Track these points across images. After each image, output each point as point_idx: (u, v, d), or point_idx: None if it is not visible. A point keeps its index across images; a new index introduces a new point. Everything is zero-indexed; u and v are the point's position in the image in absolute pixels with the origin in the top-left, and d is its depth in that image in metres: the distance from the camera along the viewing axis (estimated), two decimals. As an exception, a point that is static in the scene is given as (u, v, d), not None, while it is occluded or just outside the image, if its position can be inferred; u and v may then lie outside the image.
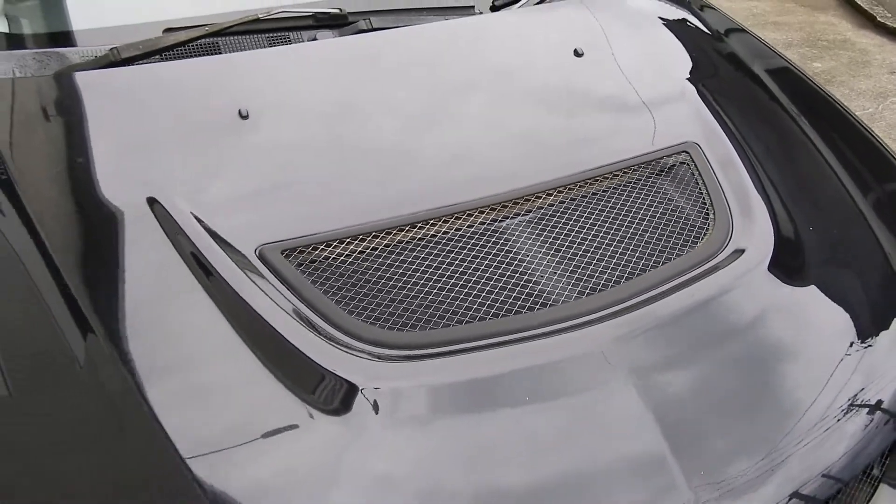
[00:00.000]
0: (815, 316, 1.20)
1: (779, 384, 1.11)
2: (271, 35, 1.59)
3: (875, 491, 1.19)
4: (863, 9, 4.63)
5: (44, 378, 0.98)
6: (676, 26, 1.83)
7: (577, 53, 1.60)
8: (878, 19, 4.47)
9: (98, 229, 1.17)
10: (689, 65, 1.69)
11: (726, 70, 1.76)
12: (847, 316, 1.22)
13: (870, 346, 1.19)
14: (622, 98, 1.52)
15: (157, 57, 1.48)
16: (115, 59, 1.45)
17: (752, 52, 1.81)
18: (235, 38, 1.56)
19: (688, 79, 1.62)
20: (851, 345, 1.17)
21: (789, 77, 1.76)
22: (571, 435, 0.99)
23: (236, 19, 1.52)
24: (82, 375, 0.99)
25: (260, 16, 1.55)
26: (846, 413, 1.12)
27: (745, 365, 1.11)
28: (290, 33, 1.60)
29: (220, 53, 1.54)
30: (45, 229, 1.13)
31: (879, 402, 1.15)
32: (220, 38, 1.54)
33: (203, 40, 1.51)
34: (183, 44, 1.49)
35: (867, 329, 1.21)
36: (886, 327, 1.23)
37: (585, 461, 0.98)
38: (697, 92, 1.58)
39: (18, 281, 1.07)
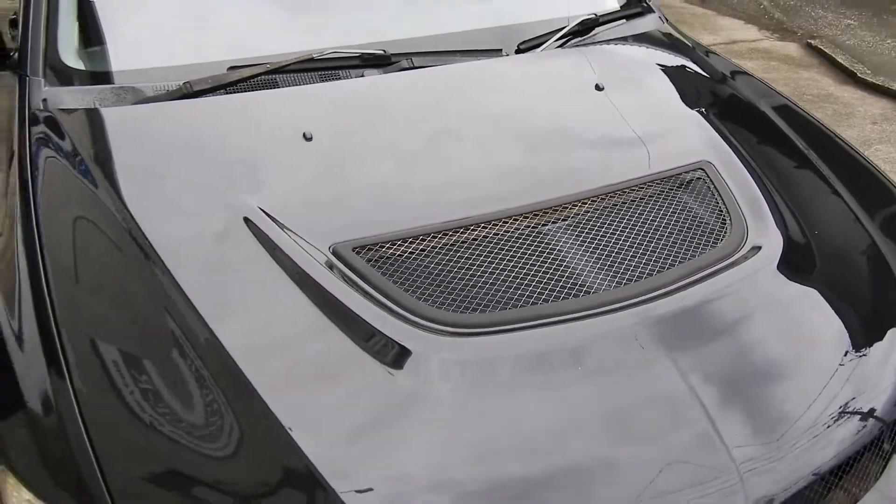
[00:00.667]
0: (824, 302, 1.34)
1: (794, 363, 1.25)
2: (323, 73, 1.77)
3: (887, 464, 1.31)
4: (843, 66, 4.92)
5: (167, 361, 1.11)
6: (687, 66, 2.03)
7: (599, 88, 1.79)
8: (859, 75, 4.75)
9: (195, 231, 1.32)
10: (700, 98, 1.88)
11: (731, 103, 1.95)
12: (854, 302, 1.37)
13: (874, 330, 1.33)
14: (642, 125, 1.70)
15: (221, 91, 1.65)
16: (187, 92, 1.63)
17: (753, 88, 2.00)
18: (292, 74, 1.74)
19: (699, 110, 1.80)
20: (859, 327, 1.32)
21: (788, 109, 1.95)
22: (608, 397, 1.13)
23: (293, 58, 1.71)
24: (194, 358, 1.13)
25: (314, 56, 1.73)
26: (857, 389, 1.26)
27: (766, 345, 1.25)
28: (340, 71, 1.78)
29: (278, 88, 1.71)
30: (154, 234, 1.29)
31: (884, 381, 1.29)
32: (278, 75, 1.72)
33: (263, 77, 1.69)
34: (246, 79, 1.67)
35: (872, 315, 1.36)
36: (885, 316, 1.38)
37: (620, 420, 1.11)
38: (708, 121, 1.76)
39: (145, 275, 1.23)
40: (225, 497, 1.04)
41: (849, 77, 4.82)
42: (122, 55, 1.75)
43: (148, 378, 1.12)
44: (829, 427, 1.21)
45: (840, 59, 4.99)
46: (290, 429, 1.05)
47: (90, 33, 1.77)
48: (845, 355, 1.27)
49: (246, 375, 1.10)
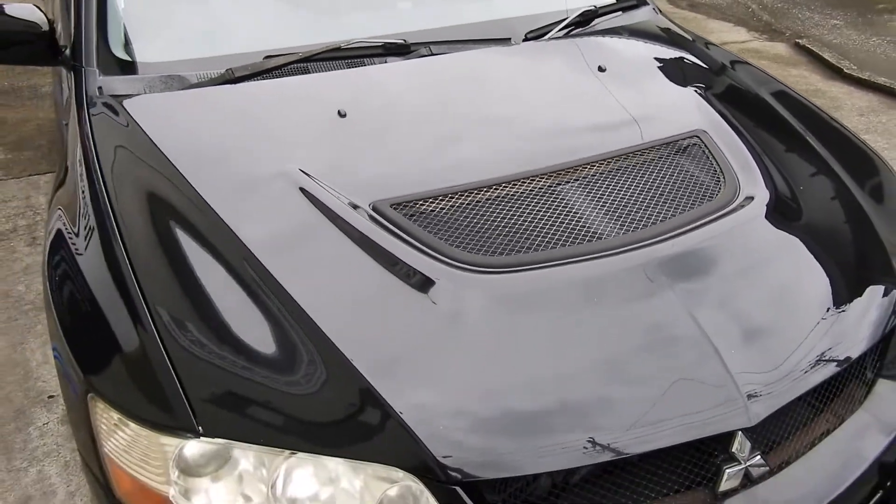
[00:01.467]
0: (812, 243, 1.51)
1: (786, 296, 1.42)
2: (350, 60, 1.94)
3: (870, 390, 1.46)
4: (830, 63, 5.12)
5: (238, 297, 1.29)
6: (679, 51, 2.21)
7: (601, 69, 1.97)
8: (846, 71, 4.94)
9: (250, 195, 1.49)
10: (692, 76, 2.06)
11: (722, 81, 2.12)
12: (837, 243, 1.54)
13: (856, 268, 1.50)
14: (642, 101, 1.87)
15: (259, 77, 1.83)
16: (229, 78, 1.80)
17: (745, 72, 2.18)
18: (322, 63, 1.91)
19: (693, 87, 1.98)
20: (843, 265, 1.49)
21: (776, 87, 2.12)
22: (620, 323, 1.30)
23: (322, 48, 1.88)
24: (262, 295, 1.30)
25: (342, 45, 1.91)
26: (843, 321, 1.42)
27: (761, 279, 1.41)
28: (365, 59, 1.95)
29: (309, 74, 1.88)
30: (213, 196, 1.46)
31: (863, 309, 1.45)
32: (309, 63, 1.89)
33: (296, 64, 1.86)
34: (281, 66, 1.84)
35: (855, 255, 1.53)
36: (866, 254, 1.55)
37: (632, 342, 1.28)
38: (702, 96, 1.93)
39: (209, 230, 1.41)
40: (293, 412, 1.19)
41: (836, 73, 5.01)
42: (167, 47, 1.92)
43: (220, 312, 1.28)
44: (818, 355, 1.37)
45: (827, 56, 5.19)
46: (351, 357, 1.21)
47: (137, 27, 1.94)
48: (831, 291, 1.43)
49: (307, 310, 1.27)
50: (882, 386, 1.45)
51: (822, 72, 5.14)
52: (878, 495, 1.38)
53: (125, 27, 1.94)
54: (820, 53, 5.25)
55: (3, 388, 2.50)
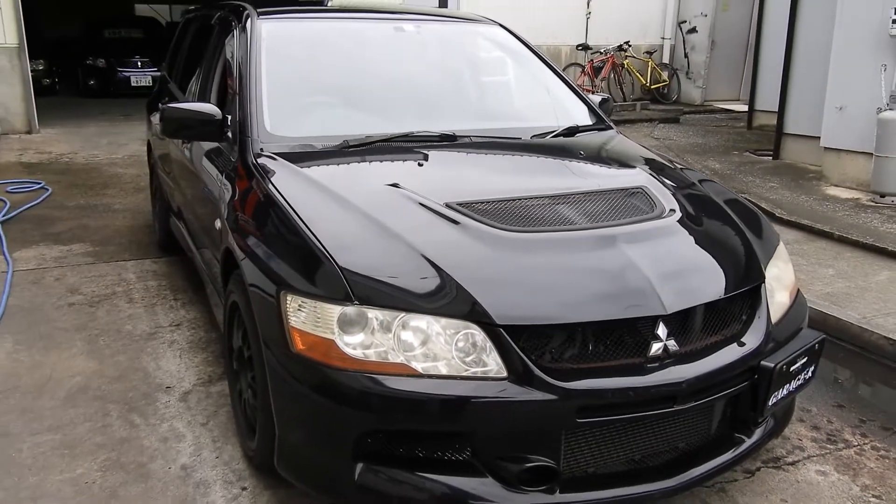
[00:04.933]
0: (706, 231, 2.52)
1: (692, 254, 2.40)
2: (415, 144, 3.01)
3: (749, 318, 2.38)
4: (765, 209, 6.31)
5: (371, 231, 2.29)
6: (637, 151, 3.34)
7: (581, 154, 3.06)
8: (777, 215, 6.13)
9: (372, 197, 2.49)
10: (642, 162, 3.14)
11: (660, 165, 3.19)
12: (720, 231, 2.58)
13: (733, 242, 2.51)
14: (608, 170, 2.99)
15: (364, 147, 2.90)
16: (344, 147, 2.87)
17: (674, 166, 3.27)
18: (399, 143, 2.98)
19: (640, 168, 3.05)
20: (725, 240, 2.51)
21: (699, 176, 3.19)
22: (595, 260, 2.25)
23: (402, 133, 2.98)
24: (382, 227, 2.28)
25: (415, 132, 3.00)
26: (728, 268, 2.38)
27: (676, 246, 2.41)
28: (424, 143, 3.02)
29: (391, 149, 2.95)
30: (351, 196, 2.48)
31: (737, 262, 2.42)
32: (391, 143, 2.96)
33: (384, 143, 2.93)
34: (377, 142, 2.92)
35: (733, 236, 2.56)
36: (738, 242, 2.55)
37: (597, 268, 2.22)
38: (646, 172, 3.00)
39: (350, 209, 2.43)
40: (405, 290, 2.08)
41: (770, 216, 6.18)
42: (305, 126, 3.01)
43: (361, 239, 2.24)
44: (708, 285, 2.31)
45: (763, 205, 6.41)
46: (434, 259, 2.14)
47: (275, 116, 3.01)
48: (721, 253, 2.43)
49: (407, 237, 2.22)
50: (754, 321, 2.37)
51: (761, 217, 6.33)
52: (746, 382, 2.26)
53: (268, 115, 3.01)
54: (757, 202, 6.47)
55: (133, 383, 3.31)
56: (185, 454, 2.75)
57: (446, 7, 11.60)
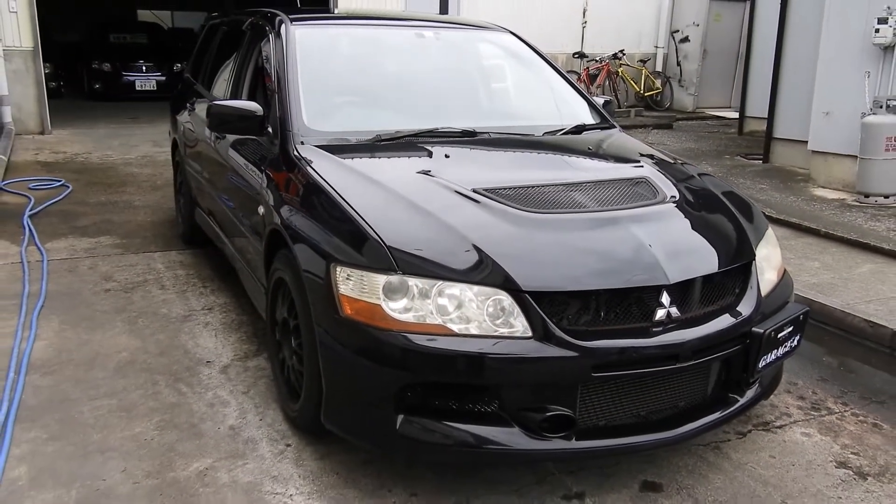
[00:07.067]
0: (703, 214, 2.84)
1: (690, 235, 2.70)
2: (440, 138, 3.32)
3: (740, 291, 2.69)
4: (757, 210, 6.66)
5: (408, 210, 2.59)
6: (639, 146, 3.65)
7: (590, 149, 3.37)
8: (766, 213, 6.46)
9: (405, 182, 2.79)
10: (644, 155, 3.45)
11: (660, 158, 3.50)
12: (714, 213, 2.88)
13: (727, 225, 2.82)
14: (615, 163, 3.29)
15: (395, 141, 3.21)
16: (377, 141, 3.18)
17: (674, 159, 3.59)
18: (425, 137, 3.29)
19: (644, 160, 3.36)
20: (718, 224, 2.81)
21: (697, 169, 3.50)
22: (608, 239, 2.55)
23: (427, 129, 3.30)
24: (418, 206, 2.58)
25: (439, 128, 3.31)
26: (721, 249, 2.69)
27: (676, 225, 2.71)
28: (447, 138, 3.33)
29: (418, 142, 3.25)
30: (386, 182, 2.80)
31: (729, 241, 2.73)
32: (418, 137, 3.27)
33: (412, 138, 3.24)
34: (405, 137, 3.23)
35: (726, 219, 2.87)
36: (730, 223, 2.87)
37: (609, 244, 2.53)
38: (647, 160, 3.31)
39: (384, 192, 2.74)
40: (441, 260, 2.38)
41: (760, 216, 6.53)
42: (339, 122, 3.32)
43: (400, 217, 2.54)
44: (707, 260, 2.62)
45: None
46: (465, 233, 2.44)
47: (311, 112, 3.31)
48: (717, 234, 2.74)
49: (440, 216, 2.52)
50: (746, 293, 2.69)
51: (751, 216, 6.66)
52: (739, 346, 2.57)
53: (305, 112, 3.31)
54: (749, 203, 6.82)
55: (175, 357, 3.59)
56: (232, 417, 3.04)
57: (446, 13, 11.96)
